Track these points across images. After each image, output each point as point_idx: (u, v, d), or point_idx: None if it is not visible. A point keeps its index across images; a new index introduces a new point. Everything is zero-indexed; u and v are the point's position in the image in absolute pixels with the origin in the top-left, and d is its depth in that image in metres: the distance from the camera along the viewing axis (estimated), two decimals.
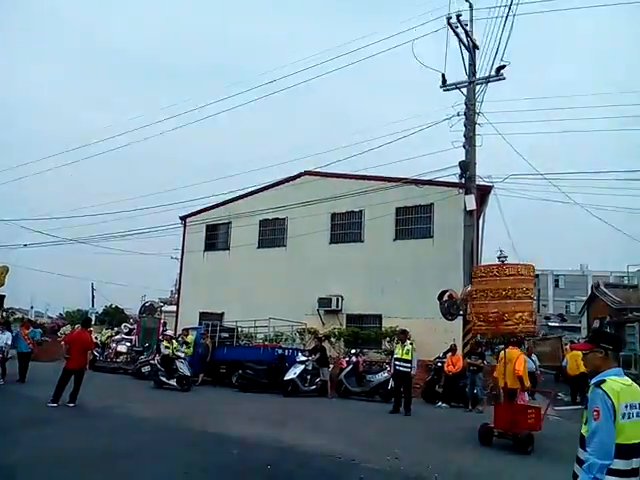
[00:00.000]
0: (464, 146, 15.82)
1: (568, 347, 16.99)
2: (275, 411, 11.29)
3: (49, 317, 50.73)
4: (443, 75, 16.30)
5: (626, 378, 3.44)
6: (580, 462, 3.29)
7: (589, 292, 31.51)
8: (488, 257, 18.26)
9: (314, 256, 18.98)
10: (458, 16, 15.31)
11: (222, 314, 20.40)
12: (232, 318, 18.82)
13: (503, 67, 15.57)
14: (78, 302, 57.59)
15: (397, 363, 11.70)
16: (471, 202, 15.34)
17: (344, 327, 17.61)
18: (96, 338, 19.61)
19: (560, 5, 17.15)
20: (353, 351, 14.83)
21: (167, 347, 14.39)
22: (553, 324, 34.03)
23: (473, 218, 15.66)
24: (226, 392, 13.73)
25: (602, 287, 24.61)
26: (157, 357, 14.74)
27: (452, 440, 8.88)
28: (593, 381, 3.46)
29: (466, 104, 16.18)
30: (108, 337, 21.88)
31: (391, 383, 12.75)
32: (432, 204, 17.38)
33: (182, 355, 14.35)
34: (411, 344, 12.24)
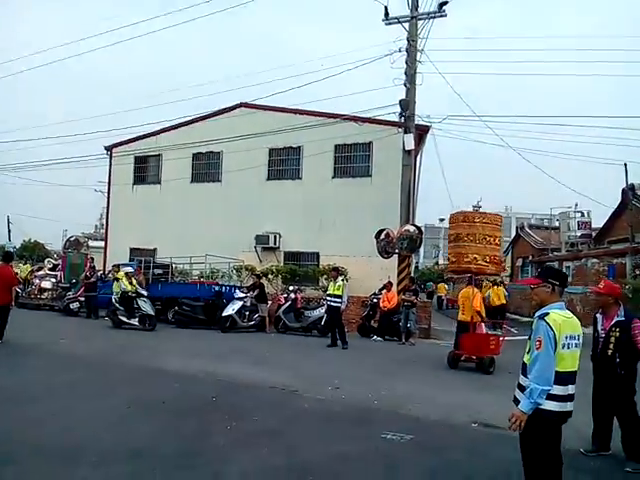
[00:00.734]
0: (405, 84, 15.70)
1: (489, 283, 18.25)
2: (214, 346, 11.33)
3: None
4: (386, 7, 15.85)
5: (567, 311, 3.65)
6: (522, 388, 3.50)
7: (513, 233, 33.49)
8: (424, 197, 18.81)
9: (251, 192, 18.58)
10: None
11: (154, 250, 19.77)
12: (165, 254, 18.30)
13: (446, 3, 15.33)
14: None
15: (328, 299, 12.20)
16: (410, 141, 15.45)
17: (282, 264, 17.67)
18: (16, 274, 18.44)
19: None
20: (291, 288, 14.99)
21: (126, 284, 13.64)
22: None
23: (411, 158, 15.84)
24: (162, 328, 13.52)
25: (526, 228, 26.16)
26: (114, 295, 13.91)
27: (387, 370, 9.34)
28: (538, 313, 3.64)
29: (408, 40, 15.92)
30: (30, 272, 20.63)
31: (325, 318, 13.14)
32: (371, 142, 17.32)
33: (144, 293, 13.76)
34: (343, 280, 12.56)
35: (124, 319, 13.44)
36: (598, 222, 21.60)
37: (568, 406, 3.49)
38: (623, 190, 18.03)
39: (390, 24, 16.17)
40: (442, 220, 60.28)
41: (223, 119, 19.41)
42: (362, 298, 14.74)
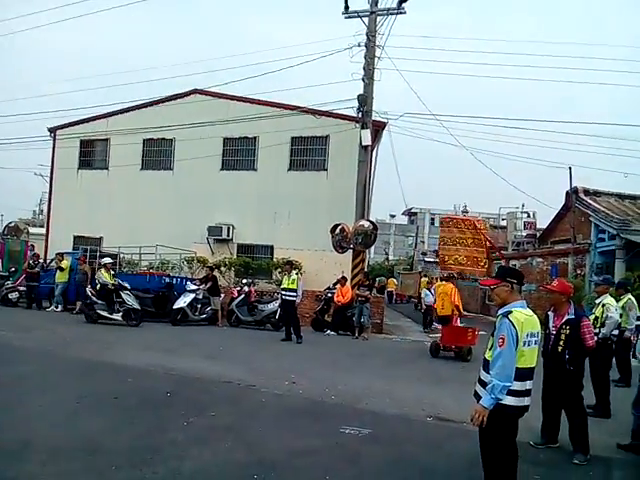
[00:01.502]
0: (363, 79, 15.79)
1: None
2: (166, 340, 11.03)
3: None
4: (346, 0, 15.85)
5: (528, 310, 3.79)
6: (483, 383, 3.61)
7: None
8: (380, 190, 19.09)
9: (204, 182, 18.17)
10: None
11: (100, 239, 19.02)
12: (112, 244, 17.64)
13: (405, 0, 15.49)
14: None
15: (283, 292, 12.14)
16: (367, 137, 15.56)
17: (235, 257, 17.42)
18: None
19: None
20: (245, 281, 14.81)
21: (106, 277, 12.92)
22: (429, 259, 36.87)
23: (367, 153, 15.97)
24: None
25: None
26: (89, 288, 13.08)
27: (343, 365, 9.40)
28: (501, 312, 3.75)
29: (367, 35, 16.00)
30: None
31: (280, 312, 13.08)
32: (328, 136, 17.32)
33: (127, 285, 13.00)
34: (297, 274, 12.58)
35: (104, 314, 12.53)
36: (543, 223, 22.58)
37: (526, 401, 3.63)
38: (567, 193, 18.86)
39: (350, 17, 16.20)
40: (393, 216, 61.49)
41: (176, 105, 18.84)
42: (316, 292, 14.77)
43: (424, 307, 17.94)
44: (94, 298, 12.72)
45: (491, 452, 3.65)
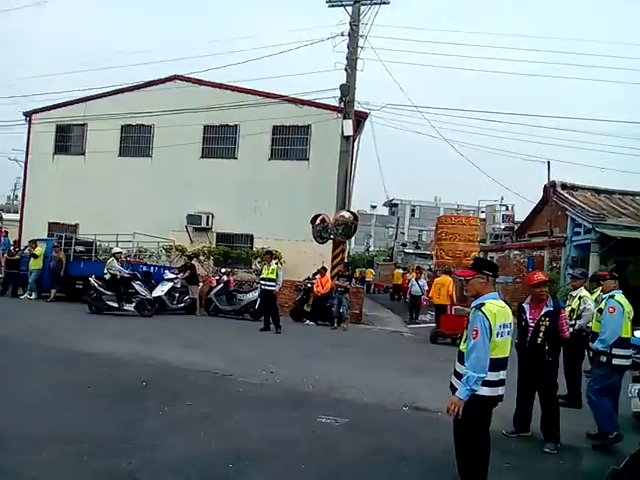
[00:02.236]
0: (346, 69, 15.72)
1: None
2: (143, 328, 10.90)
3: None
4: None
5: (501, 301, 3.83)
6: (458, 375, 3.65)
7: None
8: (361, 181, 19.10)
9: (183, 170, 17.91)
10: None
11: (76, 226, 18.64)
12: (88, 231, 17.30)
13: None
14: None
15: (262, 282, 12.09)
16: (349, 127, 15.54)
17: (214, 246, 17.27)
18: None
19: None
20: (224, 270, 14.68)
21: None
22: (408, 251, 37.16)
23: (349, 144, 15.95)
24: (84, 309, 12.78)
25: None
26: (93, 278, 12.66)
27: (321, 355, 9.43)
28: (474, 304, 3.79)
29: (351, 25, 15.93)
30: None
31: (259, 301, 13.01)
32: (310, 126, 17.20)
33: (139, 275, 12.80)
34: (277, 264, 12.55)
35: (113, 304, 12.29)
36: (521, 216, 22.93)
37: (500, 390, 3.70)
38: (545, 187, 19.16)
39: (333, 6, 16.11)
40: (374, 207, 61.76)
41: (156, 91, 18.47)
42: (296, 282, 14.73)
43: (408, 297, 18.28)
44: (101, 289, 12.42)
45: (465, 441, 3.71)
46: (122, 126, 18.93)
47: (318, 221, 14.86)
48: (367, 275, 32.76)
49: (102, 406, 5.36)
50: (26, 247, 15.48)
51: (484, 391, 3.56)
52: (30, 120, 20.16)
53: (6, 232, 16.89)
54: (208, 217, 17.48)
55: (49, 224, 19.01)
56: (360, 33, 15.86)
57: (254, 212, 17.18)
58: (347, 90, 15.54)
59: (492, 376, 3.60)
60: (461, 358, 3.72)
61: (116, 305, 12.33)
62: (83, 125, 19.50)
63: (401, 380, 7.58)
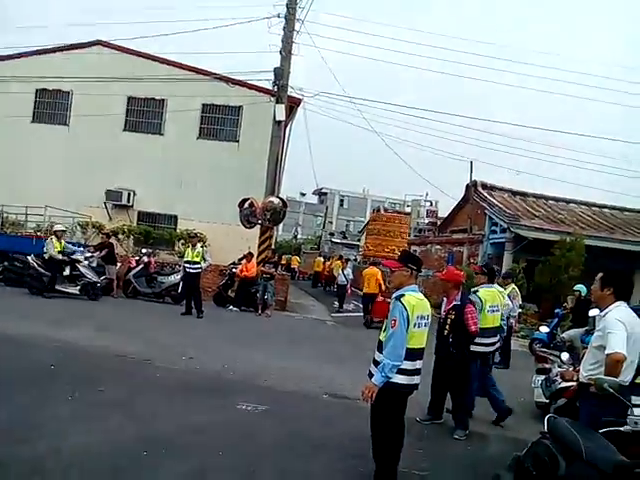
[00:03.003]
0: (280, 52, 15.47)
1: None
2: (52, 309, 10.22)
3: None
4: None
5: (420, 294, 3.98)
6: (376, 363, 3.76)
7: (369, 214, 35.40)
8: (291, 168, 19.01)
9: (104, 142, 16.84)
10: None
11: None
12: None
13: None
14: None
15: (187, 265, 11.76)
16: (281, 112, 15.34)
17: (135, 224, 16.49)
18: None
19: None
20: (144, 251, 14.05)
21: (56, 246, 11.58)
22: (336, 240, 37.58)
23: (281, 129, 15.77)
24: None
25: (382, 211, 27.90)
26: (32, 257, 11.69)
27: (243, 341, 9.32)
28: (395, 295, 3.92)
29: (287, 7, 15.68)
30: None
31: (182, 285, 12.64)
32: (241, 107, 16.81)
33: (81, 258, 11.84)
34: (202, 247, 12.26)
35: (57, 287, 11.53)
36: (444, 212, 23.82)
37: (415, 379, 3.84)
38: (467, 185, 20.04)
39: None
40: (303, 195, 61.83)
41: (76, 55, 17.20)
42: (220, 267, 14.42)
43: (335, 287, 18.71)
44: (40, 269, 11.52)
45: (380, 427, 3.83)
46: (37, 90, 17.47)
47: (246, 205, 14.61)
48: (292, 262, 33.01)
49: (3, 391, 4.99)
50: None
51: (400, 379, 3.69)
52: None
53: None
54: (129, 194, 16.64)
55: None
56: (297, 17, 15.67)
57: (179, 192, 16.58)
58: (281, 74, 15.31)
59: (408, 365, 3.73)
60: (380, 347, 3.82)
61: (59, 287, 11.61)
62: None
63: (322, 368, 7.68)
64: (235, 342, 9.10)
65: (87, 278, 11.85)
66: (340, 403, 6.00)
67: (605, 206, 20.44)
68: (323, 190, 56.57)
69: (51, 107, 17.68)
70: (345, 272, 16.66)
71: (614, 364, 3.30)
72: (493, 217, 17.44)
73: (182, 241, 15.41)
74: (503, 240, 16.45)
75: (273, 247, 16.43)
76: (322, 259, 26.84)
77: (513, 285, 9.57)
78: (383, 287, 13.48)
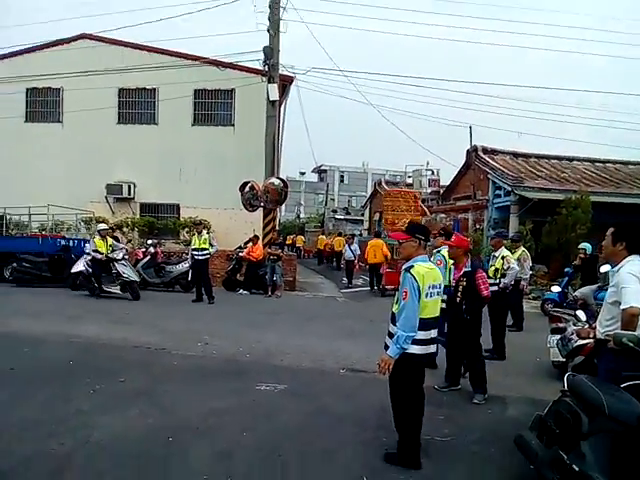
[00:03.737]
0: (268, 30, 15.21)
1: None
2: (66, 306, 10.32)
3: None
4: None
5: (430, 263, 3.97)
6: (391, 335, 3.77)
7: (370, 188, 35.13)
8: (289, 147, 18.86)
9: (99, 136, 16.77)
10: None
11: None
12: None
13: None
14: None
15: (195, 253, 11.79)
16: (274, 91, 15.15)
17: (138, 216, 16.50)
18: None
19: None
20: (150, 241, 14.09)
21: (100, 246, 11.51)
22: (339, 217, 37.52)
23: (275, 109, 15.60)
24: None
25: (383, 184, 27.77)
26: (86, 259, 11.72)
27: (256, 323, 9.38)
28: (404, 267, 3.89)
29: None
30: None
31: (192, 272, 12.67)
32: (233, 90, 16.63)
33: (120, 257, 11.70)
34: (208, 233, 12.29)
35: (105, 288, 11.50)
36: (446, 180, 23.66)
37: (431, 348, 3.85)
38: (467, 151, 19.84)
39: None
40: (303, 174, 61.47)
41: (62, 51, 16.98)
42: (227, 252, 14.45)
43: (343, 262, 18.89)
44: (90, 270, 11.58)
45: (400, 397, 3.86)
46: (27, 89, 17.35)
47: (247, 188, 14.57)
48: (297, 242, 33.20)
49: (26, 388, 5.06)
50: None
51: (415, 349, 3.69)
52: None
53: None
54: (130, 187, 16.63)
55: None
56: None
57: (179, 180, 16.56)
58: (270, 53, 15.07)
59: (423, 335, 3.73)
60: (393, 319, 3.82)
61: (106, 288, 11.56)
62: None
63: (337, 344, 7.72)
64: (248, 325, 9.15)
65: (124, 277, 11.61)
66: (358, 377, 6.05)
67: (609, 161, 20.22)
68: (322, 167, 56.18)
69: (43, 105, 17.60)
70: (352, 248, 16.65)
71: (630, 318, 3.28)
72: (496, 181, 17.28)
73: (186, 229, 15.43)
74: (508, 203, 16.32)
75: (277, 228, 16.42)
76: (324, 237, 27.86)
77: (522, 248, 9.51)
78: (389, 257, 14.03)
